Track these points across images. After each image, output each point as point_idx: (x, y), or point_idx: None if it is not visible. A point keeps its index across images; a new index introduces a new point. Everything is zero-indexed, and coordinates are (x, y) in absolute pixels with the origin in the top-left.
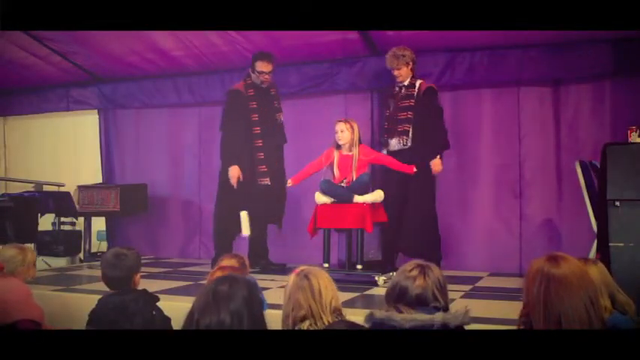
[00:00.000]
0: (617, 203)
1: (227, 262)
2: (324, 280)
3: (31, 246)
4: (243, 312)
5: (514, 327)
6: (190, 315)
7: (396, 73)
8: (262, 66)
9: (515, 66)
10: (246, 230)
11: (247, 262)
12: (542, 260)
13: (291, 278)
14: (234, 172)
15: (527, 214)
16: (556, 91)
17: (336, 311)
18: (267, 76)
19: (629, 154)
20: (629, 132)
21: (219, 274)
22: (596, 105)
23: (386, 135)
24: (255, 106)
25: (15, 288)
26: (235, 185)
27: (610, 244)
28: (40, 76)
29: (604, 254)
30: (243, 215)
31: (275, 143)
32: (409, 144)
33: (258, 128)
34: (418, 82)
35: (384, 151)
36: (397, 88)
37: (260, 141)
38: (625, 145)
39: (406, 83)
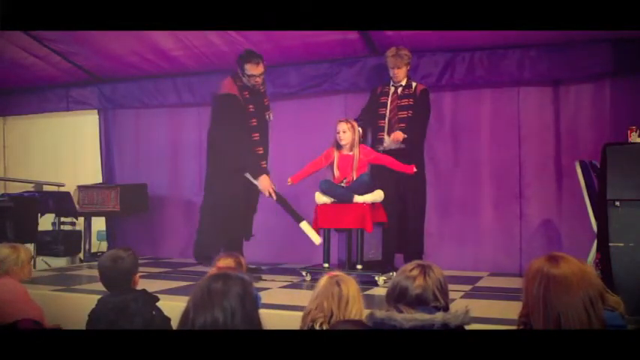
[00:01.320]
0: (617, 203)
1: (223, 262)
2: (353, 291)
3: (28, 245)
4: (237, 309)
5: (514, 327)
6: (186, 313)
7: (396, 71)
8: (252, 69)
9: (515, 66)
10: (317, 239)
11: (243, 262)
12: (542, 260)
13: (322, 280)
14: (268, 183)
15: (528, 214)
16: (556, 91)
17: None
18: (258, 79)
19: (629, 154)
20: (629, 132)
21: None
22: (596, 105)
23: (383, 133)
24: (252, 110)
25: (10, 288)
26: (275, 196)
27: (610, 244)
28: (39, 76)
29: (604, 254)
30: (305, 225)
31: (267, 145)
32: (407, 143)
33: (258, 135)
34: (414, 84)
35: (381, 149)
36: (393, 88)
37: (261, 148)
38: (625, 145)
39: (403, 83)
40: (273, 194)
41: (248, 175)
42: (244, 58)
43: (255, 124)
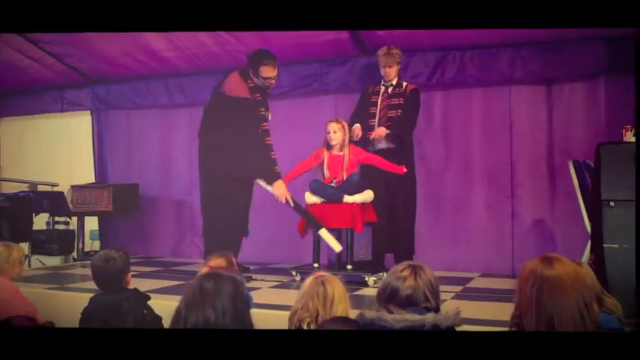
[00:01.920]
0: (612, 203)
1: (215, 261)
2: (338, 291)
3: (22, 244)
4: (228, 308)
5: (506, 328)
6: (178, 312)
7: (387, 70)
8: (269, 72)
9: (507, 65)
10: (337, 246)
11: (235, 261)
12: (536, 261)
13: (308, 280)
14: (284, 189)
15: (520, 215)
16: (549, 89)
17: None
18: (273, 81)
19: (623, 154)
20: (623, 131)
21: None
22: (590, 104)
23: (371, 133)
24: (263, 112)
25: (2, 286)
26: (292, 203)
27: (604, 245)
28: (35, 78)
29: (598, 255)
30: (325, 233)
31: None
32: (396, 143)
33: (270, 138)
34: (404, 83)
35: (370, 149)
36: (383, 87)
37: (274, 153)
38: (619, 144)
39: (394, 82)
40: (290, 201)
41: (261, 182)
42: (259, 59)
43: (266, 127)
